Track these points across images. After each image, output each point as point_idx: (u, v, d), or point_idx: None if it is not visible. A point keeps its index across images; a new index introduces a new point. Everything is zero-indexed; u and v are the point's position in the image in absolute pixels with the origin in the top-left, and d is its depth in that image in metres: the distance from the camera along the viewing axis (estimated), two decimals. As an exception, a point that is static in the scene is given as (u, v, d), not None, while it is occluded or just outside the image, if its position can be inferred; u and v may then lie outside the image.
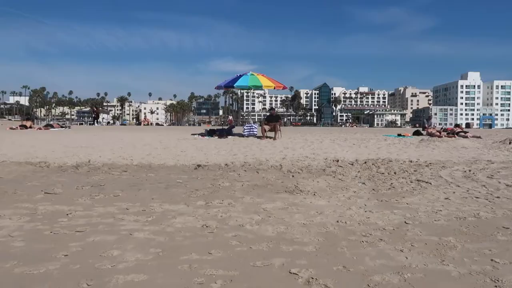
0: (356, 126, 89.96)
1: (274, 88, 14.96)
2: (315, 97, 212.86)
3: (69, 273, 2.64)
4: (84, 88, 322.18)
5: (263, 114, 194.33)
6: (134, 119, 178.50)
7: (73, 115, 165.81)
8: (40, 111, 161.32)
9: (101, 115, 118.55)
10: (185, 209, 4.22)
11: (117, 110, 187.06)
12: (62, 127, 24.34)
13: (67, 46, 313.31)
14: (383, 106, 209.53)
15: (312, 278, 2.57)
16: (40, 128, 21.62)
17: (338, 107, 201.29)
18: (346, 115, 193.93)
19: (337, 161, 8.16)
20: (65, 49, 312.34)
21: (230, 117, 56.00)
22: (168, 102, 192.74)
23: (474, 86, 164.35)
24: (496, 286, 2.51)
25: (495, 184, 5.77)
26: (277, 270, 2.71)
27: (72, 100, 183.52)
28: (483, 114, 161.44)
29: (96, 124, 33.90)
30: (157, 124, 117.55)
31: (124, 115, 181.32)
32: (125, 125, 76.12)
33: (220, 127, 18.57)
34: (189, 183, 5.74)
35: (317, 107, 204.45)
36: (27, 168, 7.03)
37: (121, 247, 3.08)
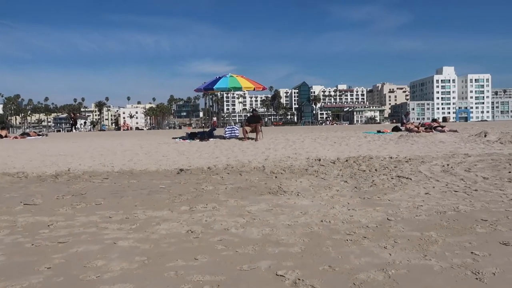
0: (336, 124, 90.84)
1: (254, 90, 14.97)
2: (295, 96, 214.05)
3: (53, 286, 2.60)
4: (60, 94, 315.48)
5: (244, 115, 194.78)
6: (113, 124, 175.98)
7: (49, 122, 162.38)
8: (15, 119, 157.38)
9: (79, 121, 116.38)
10: (169, 215, 4.20)
11: (95, 115, 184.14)
12: (39, 135, 23.80)
13: (41, 52, 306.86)
14: (362, 103, 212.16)
15: (299, 279, 2.59)
16: (16, 137, 21.09)
17: (318, 105, 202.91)
18: (326, 113, 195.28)
19: (319, 160, 8.23)
20: (39, 54, 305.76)
21: (214, 119, 55.69)
22: (147, 106, 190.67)
23: (449, 80, 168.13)
24: (477, 278, 2.58)
25: (473, 177, 5.92)
26: (263, 273, 2.72)
27: (48, 107, 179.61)
28: (459, 108, 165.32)
29: (74, 131, 33.29)
30: (137, 128, 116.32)
31: (103, 120, 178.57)
32: (104, 130, 74.99)
33: (201, 130, 18.50)
34: (172, 188, 5.70)
35: (297, 106, 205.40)
36: (4, 179, 6.86)
37: (105, 257, 3.04)
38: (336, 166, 7.33)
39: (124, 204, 4.75)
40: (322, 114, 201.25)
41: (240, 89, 15.08)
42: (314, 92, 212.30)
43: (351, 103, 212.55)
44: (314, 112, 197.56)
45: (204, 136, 15.16)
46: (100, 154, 10.71)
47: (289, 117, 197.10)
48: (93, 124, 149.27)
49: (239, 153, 10.25)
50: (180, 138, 16.14)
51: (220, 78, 15.27)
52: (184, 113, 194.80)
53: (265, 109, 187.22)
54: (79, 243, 3.38)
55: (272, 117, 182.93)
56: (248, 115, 15.14)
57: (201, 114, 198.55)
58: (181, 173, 7.13)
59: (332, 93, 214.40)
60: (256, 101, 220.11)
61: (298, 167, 7.35)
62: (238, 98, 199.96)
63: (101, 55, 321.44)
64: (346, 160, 8.00)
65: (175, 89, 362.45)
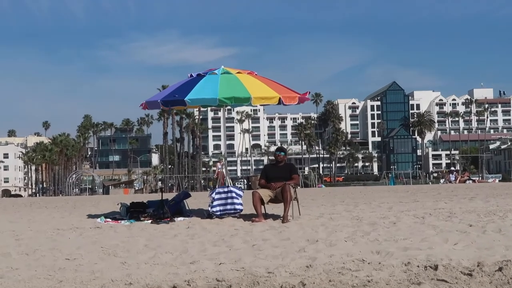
0: (472, 181, 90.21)
1: (280, 103, 15.08)
2: (373, 116, 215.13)
3: None
4: None
5: (255, 162, 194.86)
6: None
7: None
8: None
9: None
10: None
11: None
12: None
13: None
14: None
15: None
16: None
17: (429, 136, 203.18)
18: (446, 155, 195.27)
19: (435, 268, 8.18)
20: None
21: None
22: (32, 140, 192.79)
23: None
24: None
25: None
26: None
27: None
28: None
29: None
30: (8, 193, 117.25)
31: None
32: None
33: (156, 197, 18.56)
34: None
35: (379, 138, 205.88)
36: None
37: None
38: (477, 284, 7.29)
39: None
40: (439, 156, 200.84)
41: (246, 101, 15.19)
42: (417, 106, 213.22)
43: (504, 130, 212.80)
44: (418, 151, 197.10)
45: (162, 211, 15.20)
46: None
47: (360, 164, 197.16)
48: None
49: (246, 251, 10.25)
50: (106, 217, 16.18)
51: (200, 77, 15.48)
52: (117, 157, 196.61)
53: (305, 147, 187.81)
54: None
55: (322, 165, 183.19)
56: (267, 163, 15.21)
57: (154, 158, 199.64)
58: (110, 301, 7.10)
59: (461, 109, 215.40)
60: (283, 127, 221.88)
61: (385, 287, 7.33)
62: (241, 121, 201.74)
63: None
64: (499, 269, 7.93)
65: (95, 103, 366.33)
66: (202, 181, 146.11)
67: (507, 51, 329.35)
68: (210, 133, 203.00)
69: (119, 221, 15.15)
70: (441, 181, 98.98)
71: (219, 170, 46.31)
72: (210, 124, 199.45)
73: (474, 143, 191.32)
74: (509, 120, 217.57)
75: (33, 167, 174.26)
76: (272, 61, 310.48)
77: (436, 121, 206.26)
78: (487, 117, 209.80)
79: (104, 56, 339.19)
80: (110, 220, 15.49)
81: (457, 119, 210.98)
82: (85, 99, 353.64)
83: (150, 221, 14.76)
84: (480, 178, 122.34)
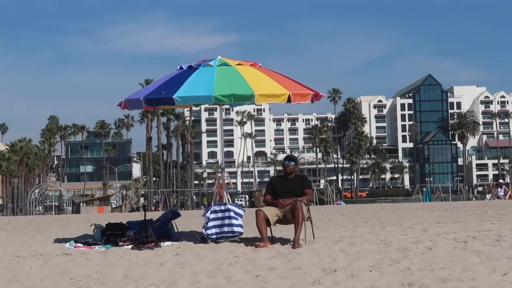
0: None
1: (290, 101, 15.06)
2: (404, 116, 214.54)
3: None
4: None
5: (259, 174, 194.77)
6: None
7: None
8: None
9: None
10: None
11: None
12: None
13: None
14: None
15: None
16: None
17: (472, 141, 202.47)
18: (493, 164, 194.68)
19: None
20: None
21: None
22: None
23: None
24: None
25: None
26: None
27: None
28: None
29: None
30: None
31: None
32: None
33: (139, 217, 18.55)
34: None
35: (411, 144, 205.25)
36: None
37: None
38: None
39: None
40: (484, 166, 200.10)
41: (249, 99, 15.18)
42: (458, 105, 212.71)
43: None
44: (459, 160, 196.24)
45: (145, 234, 15.20)
46: None
47: (388, 176, 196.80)
48: None
49: (248, 283, 10.22)
50: (77, 241, 16.18)
51: (192, 70, 15.49)
52: (89, 168, 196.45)
53: (321, 155, 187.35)
54: None
55: (341, 177, 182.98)
56: (274, 175, 15.18)
57: (135, 169, 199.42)
58: None
59: (511, 108, 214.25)
60: (294, 130, 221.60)
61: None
62: (241, 123, 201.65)
63: None
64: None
65: (63, 102, 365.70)
66: (194, 197, 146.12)
67: None
68: (204, 138, 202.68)
69: (93, 246, 15.11)
70: (488, 196, 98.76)
71: (222, 181, 45.12)
72: (204, 127, 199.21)
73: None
74: None
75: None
76: (280, 50, 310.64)
77: (481, 123, 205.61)
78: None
79: (75, 43, 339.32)
80: (82, 245, 15.45)
81: (506, 120, 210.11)
82: (51, 96, 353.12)
83: (130, 246, 14.72)
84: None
